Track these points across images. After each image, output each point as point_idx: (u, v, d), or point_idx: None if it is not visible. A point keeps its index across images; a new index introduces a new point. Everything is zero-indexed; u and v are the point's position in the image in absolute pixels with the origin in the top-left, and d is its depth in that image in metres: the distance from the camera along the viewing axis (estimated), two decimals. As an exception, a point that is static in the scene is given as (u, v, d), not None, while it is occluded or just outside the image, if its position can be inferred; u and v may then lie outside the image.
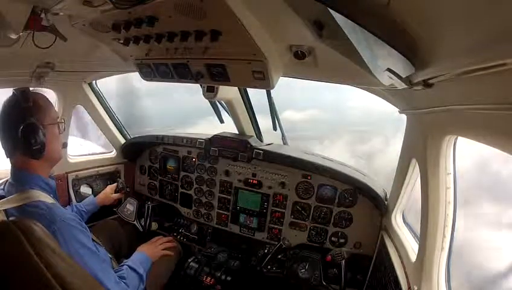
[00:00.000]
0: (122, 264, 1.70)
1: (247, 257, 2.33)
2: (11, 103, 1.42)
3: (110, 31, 1.25)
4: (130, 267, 1.67)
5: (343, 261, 1.82)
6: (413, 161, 1.47)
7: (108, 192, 2.38)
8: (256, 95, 2.34)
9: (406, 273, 1.45)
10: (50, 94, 2.19)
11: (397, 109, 1.55)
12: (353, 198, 2.08)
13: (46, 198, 1.41)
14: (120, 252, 2.14)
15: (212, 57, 1.35)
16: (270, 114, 2.37)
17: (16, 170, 1.46)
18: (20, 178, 1.44)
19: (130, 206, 2.40)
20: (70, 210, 2.10)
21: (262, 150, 2.22)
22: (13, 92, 1.43)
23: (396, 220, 1.78)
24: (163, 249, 2.06)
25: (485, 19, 0.51)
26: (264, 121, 2.53)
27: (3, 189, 1.51)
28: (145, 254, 1.87)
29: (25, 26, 1.10)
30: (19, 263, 0.70)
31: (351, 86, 1.49)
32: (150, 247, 2.01)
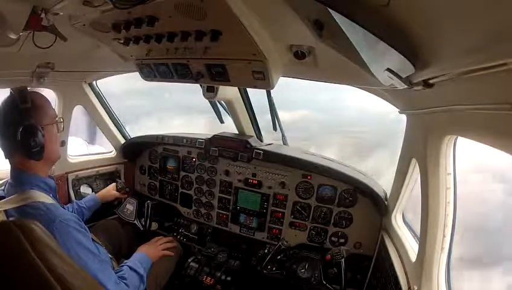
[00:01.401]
0: (122, 264, 1.70)
1: (247, 257, 2.33)
2: (8, 104, 1.40)
3: (110, 31, 1.25)
4: (130, 267, 1.67)
5: (343, 260, 1.82)
6: (413, 160, 1.47)
7: (110, 188, 2.38)
8: (256, 95, 2.34)
9: (406, 273, 1.45)
10: (50, 94, 2.19)
11: (396, 110, 1.55)
12: (353, 198, 2.08)
13: (46, 198, 1.41)
14: (120, 252, 2.14)
15: (212, 57, 1.35)
16: (270, 114, 2.37)
17: (15, 171, 1.45)
18: (20, 179, 1.44)
19: (130, 206, 2.40)
20: (70, 208, 2.10)
21: (262, 150, 2.22)
22: (10, 92, 1.41)
23: (397, 220, 1.78)
24: (163, 249, 2.06)
25: (485, 19, 0.51)
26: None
27: (3, 190, 1.50)
28: (145, 254, 1.87)
29: (25, 26, 1.10)
30: (18, 263, 0.70)
31: (348, 86, 1.49)
32: (150, 247, 2.01)
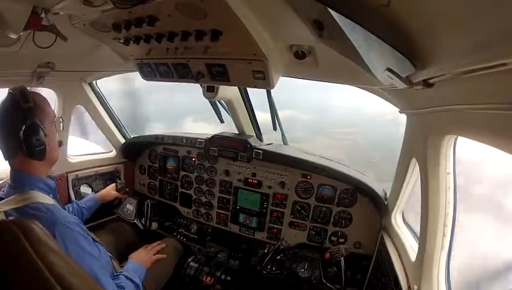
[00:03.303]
0: (117, 274, 1.67)
1: (247, 257, 2.33)
2: (10, 103, 1.38)
3: (111, 30, 1.25)
4: (126, 277, 1.64)
5: (342, 258, 1.82)
6: (413, 160, 1.47)
7: (110, 188, 2.38)
8: (257, 95, 2.32)
9: (405, 272, 1.45)
10: (50, 94, 2.19)
11: (393, 111, 1.55)
12: (353, 198, 2.08)
13: (46, 199, 1.40)
14: (120, 252, 2.14)
15: (213, 57, 1.35)
16: (270, 114, 2.38)
17: (15, 172, 1.44)
18: (19, 179, 1.43)
19: (130, 206, 2.41)
20: (70, 208, 2.09)
21: (262, 149, 2.22)
22: (10, 92, 1.39)
23: (396, 220, 1.78)
24: (155, 254, 2.03)
25: (485, 19, 0.51)
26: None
27: (2, 191, 1.49)
28: (138, 263, 1.85)
29: (25, 26, 1.10)
30: (18, 263, 0.70)
31: (340, 86, 1.49)
32: (142, 255, 1.98)
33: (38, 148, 1.38)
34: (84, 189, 2.54)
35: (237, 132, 2.48)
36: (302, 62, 1.23)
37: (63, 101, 2.25)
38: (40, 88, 1.97)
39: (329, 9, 0.64)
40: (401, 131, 1.62)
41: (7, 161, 1.46)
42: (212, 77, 1.47)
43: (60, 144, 1.60)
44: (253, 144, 2.27)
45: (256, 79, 1.35)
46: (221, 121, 2.51)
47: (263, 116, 2.46)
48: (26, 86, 1.45)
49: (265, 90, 2.13)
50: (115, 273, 1.66)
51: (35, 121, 1.37)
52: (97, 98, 2.52)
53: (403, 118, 1.54)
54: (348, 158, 2.32)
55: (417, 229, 1.45)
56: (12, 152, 1.42)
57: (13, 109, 1.37)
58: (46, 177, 1.50)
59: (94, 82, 2.47)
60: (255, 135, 2.50)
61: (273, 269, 2.06)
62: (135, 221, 2.37)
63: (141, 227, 2.37)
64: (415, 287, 1.29)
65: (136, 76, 1.80)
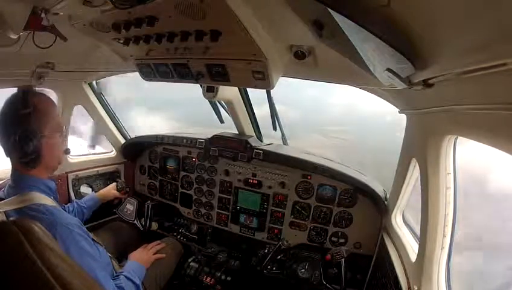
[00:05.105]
0: (117, 274, 1.66)
1: (247, 257, 2.33)
2: (10, 106, 1.37)
3: (110, 31, 1.25)
4: (126, 277, 1.64)
5: (343, 260, 1.82)
6: (413, 160, 1.47)
7: (111, 188, 2.38)
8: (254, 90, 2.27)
9: (406, 273, 1.45)
10: (49, 94, 2.18)
11: (391, 112, 1.55)
12: (353, 198, 2.08)
13: (47, 200, 1.40)
14: (120, 252, 2.13)
15: (212, 57, 1.35)
16: (270, 114, 2.37)
17: (15, 172, 1.44)
18: (20, 180, 1.42)
19: (130, 206, 2.40)
20: (71, 207, 2.09)
21: (262, 150, 2.22)
22: (16, 91, 1.38)
23: (396, 220, 1.78)
24: (154, 253, 2.03)
25: (485, 19, 0.51)
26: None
27: (3, 191, 1.49)
28: (137, 263, 1.85)
29: (25, 26, 1.10)
30: (18, 263, 0.70)
31: (337, 85, 1.49)
32: (141, 254, 1.97)
33: (30, 156, 1.35)
34: (84, 189, 2.54)
35: (237, 132, 2.48)
36: (302, 62, 1.23)
37: (63, 101, 2.25)
38: (40, 88, 1.97)
39: (329, 10, 0.64)
40: (398, 134, 1.60)
41: (9, 159, 1.45)
42: (212, 77, 1.47)
43: (67, 151, 1.56)
44: (253, 144, 2.27)
45: (256, 79, 1.35)
46: (221, 122, 2.51)
47: (257, 112, 2.45)
48: (31, 86, 1.43)
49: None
50: (115, 274, 1.66)
51: (31, 128, 1.34)
52: (97, 98, 2.52)
53: (403, 118, 1.54)
54: (337, 159, 2.30)
55: (417, 229, 1.45)
56: (10, 154, 1.41)
57: (11, 113, 1.36)
58: (46, 179, 1.49)
59: (94, 82, 2.47)
60: (255, 135, 2.50)
61: (274, 269, 2.06)
62: (135, 221, 2.37)
63: (141, 228, 2.37)
64: (415, 288, 1.29)
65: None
